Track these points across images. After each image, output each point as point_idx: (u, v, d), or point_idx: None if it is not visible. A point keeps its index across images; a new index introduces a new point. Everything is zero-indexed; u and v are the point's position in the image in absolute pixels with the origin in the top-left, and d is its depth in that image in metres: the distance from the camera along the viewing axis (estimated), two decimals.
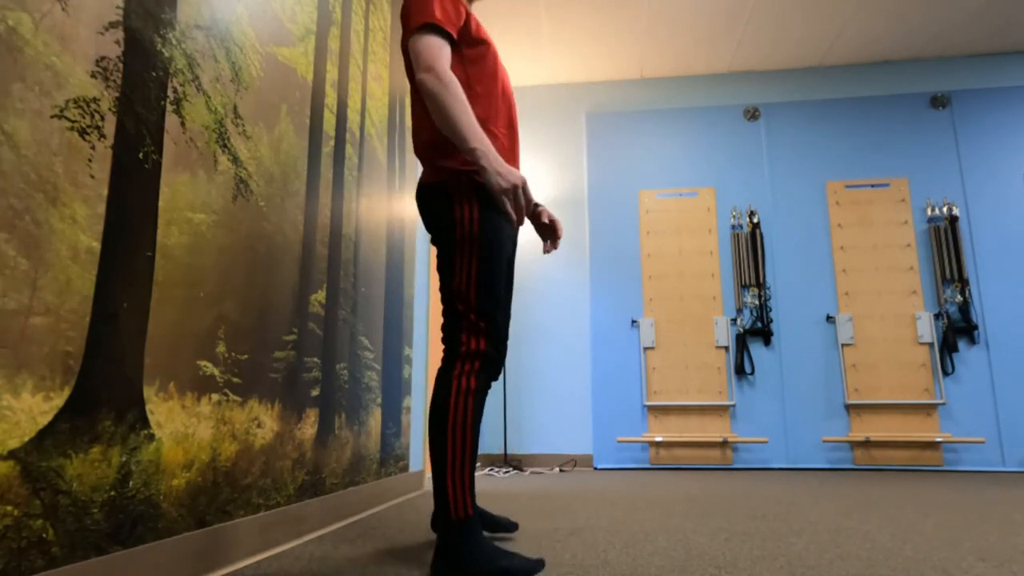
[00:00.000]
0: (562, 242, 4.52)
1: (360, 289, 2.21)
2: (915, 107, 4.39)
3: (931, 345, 4.01)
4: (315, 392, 1.82)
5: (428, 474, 3.36)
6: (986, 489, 2.80)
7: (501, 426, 4.28)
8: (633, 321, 4.30)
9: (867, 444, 3.94)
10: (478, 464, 4.14)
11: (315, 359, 1.83)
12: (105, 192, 1.04)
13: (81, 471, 0.97)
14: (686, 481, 3.22)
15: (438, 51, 1.31)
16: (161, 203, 1.18)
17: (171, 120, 1.22)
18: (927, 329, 4.01)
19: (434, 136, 1.42)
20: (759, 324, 4.17)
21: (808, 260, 4.26)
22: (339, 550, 1.54)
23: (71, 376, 0.96)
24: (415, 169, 2.98)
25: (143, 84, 1.14)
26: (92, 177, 1.01)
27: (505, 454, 4.13)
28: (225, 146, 1.40)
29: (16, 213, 0.88)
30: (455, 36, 1.37)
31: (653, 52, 4.42)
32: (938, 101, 4.37)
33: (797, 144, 4.44)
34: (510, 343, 4.41)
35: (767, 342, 4.17)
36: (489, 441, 4.31)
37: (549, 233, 1.74)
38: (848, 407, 4.02)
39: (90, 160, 1.01)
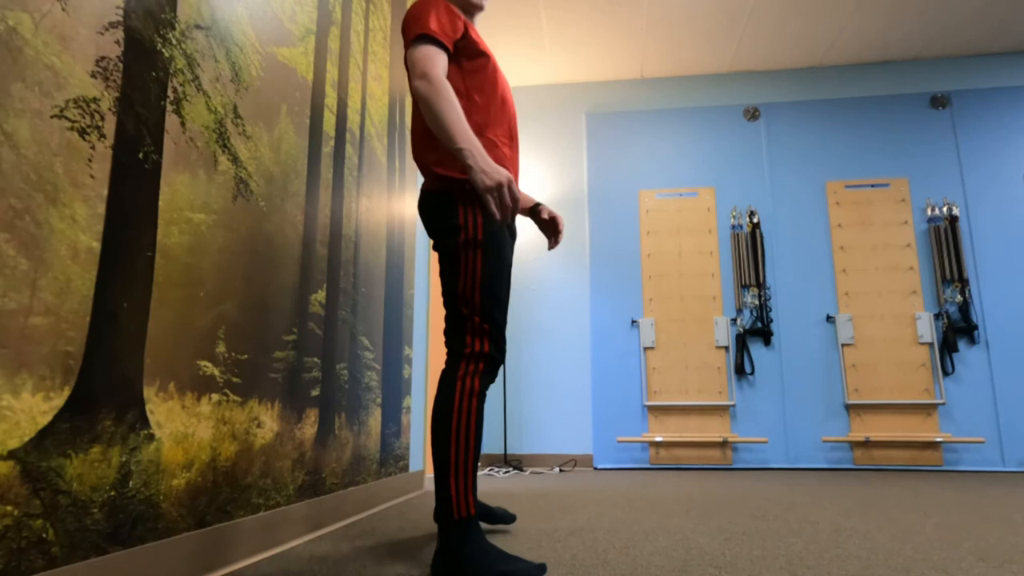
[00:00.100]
0: (562, 242, 4.52)
1: (360, 289, 2.21)
2: (915, 107, 4.39)
3: (931, 345, 4.01)
4: (315, 392, 1.82)
5: (428, 474, 3.36)
6: (986, 489, 2.80)
7: (501, 426, 4.28)
8: (633, 321, 4.30)
9: (867, 444, 3.94)
10: (478, 464, 4.13)
11: (315, 359, 1.83)
12: (105, 192, 1.04)
13: (81, 471, 0.97)
14: (686, 481, 3.22)
15: (432, 59, 1.35)
16: (161, 203, 1.18)
17: (171, 120, 1.22)
18: (927, 329, 4.01)
19: (436, 146, 1.45)
20: (759, 324, 4.17)
21: (808, 260, 4.26)
22: (339, 550, 1.54)
23: (71, 376, 0.96)
24: (415, 169, 2.98)
25: (143, 84, 1.14)
26: (92, 177, 1.01)
27: (505, 454, 4.13)
28: (225, 146, 1.40)
29: (16, 213, 0.88)
30: (450, 47, 1.42)
31: (653, 52, 4.42)
32: (938, 101, 4.37)
33: (797, 144, 4.44)
34: (510, 343, 4.41)
35: (767, 342, 4.17)
36: (489, 441, 4.31)
37: (551, 230, 1.77)
38: (848, 407, 4.02)
39: (90, 160, 1.01)
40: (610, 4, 3.90)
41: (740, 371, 4.12)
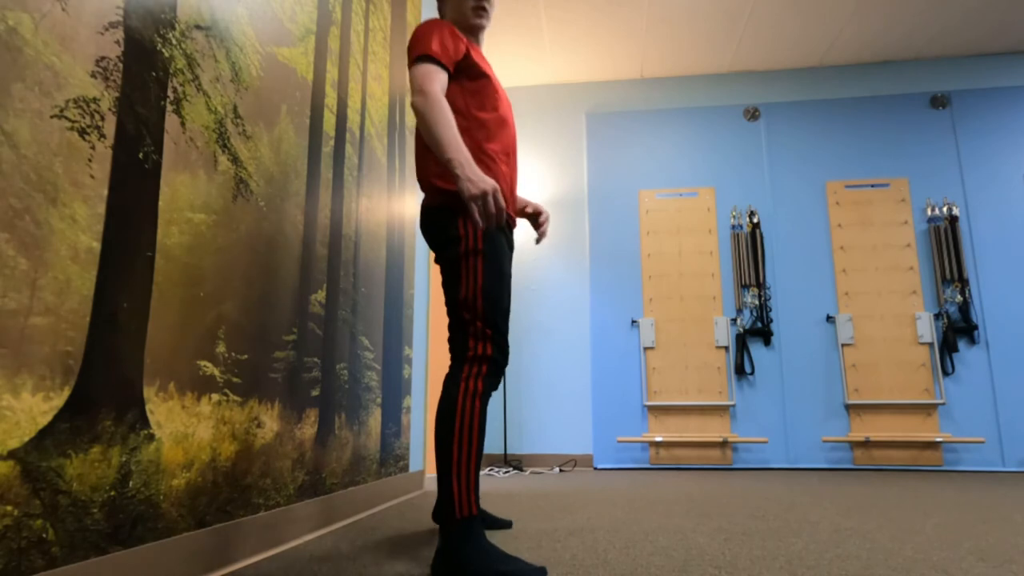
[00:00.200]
0: (562, 242, 4.52)
1: (360, 289, 2.21)
2: (915, 107, 4.39)
3: (931, 345, 4.01)
4: (315, 392, 1.82)
5: (428, 474, 3.36)
6: (986, 489, 2.80)
7: (501, 426, 4.28)
8: (633, 321, 4.30)
9: (867, 444, 3.94)
10: None
11: (315, 359, 1.83)
12: (105, 192, 1.04)
13: (81, 471, 0.97)
14: (686, 481, 3.22)
15: (430, 76, 1.43)
16: (161, 203, 1.18)
17: (171, 120, 1.22)
18: (927, 329, 4.01)
19: (437, 163, 1.52)
20: (759, 324, 4.17)
21: (808, 260, 4.26)
22: (339, 550, 1.54)
23: (71, 376, 0.96)
24: (415, 169, 2.98)
25: (143, 84, 1.14)
26: (92, 177, 1.01)
27: (505, 454, 4.13)
28: (225, 146, 1.40)
29: (16, 213, 0.88)
30: (450, 68, 1.50)
31: (653, 52, 4.42)
32: (938, 101, 4.37)
33: (797, 144, 4.44)
34: (511, 343, 4.41)
35: (767, 342, 4.17)
36: (489, 441, 4.31)
37: (534, 222, 1.85)
38: (848, 407, 4.02)
39: (90, 160, 1.01)
40: (610, 4, 3.90)
41: (740, 371, 4.12)
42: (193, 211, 1.28)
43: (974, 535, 1.68)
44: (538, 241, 1.83)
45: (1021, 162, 4.21)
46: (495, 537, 1.69)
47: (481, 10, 1.64)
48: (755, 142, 4.48)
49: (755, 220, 4.30)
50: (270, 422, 1.56)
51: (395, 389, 2.58)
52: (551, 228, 4.57)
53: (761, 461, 4.03)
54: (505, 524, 1.82)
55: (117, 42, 1.08)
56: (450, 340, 1.49)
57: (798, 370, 4.12)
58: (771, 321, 4.19)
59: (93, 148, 1.02)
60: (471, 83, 1.56)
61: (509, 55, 4.42)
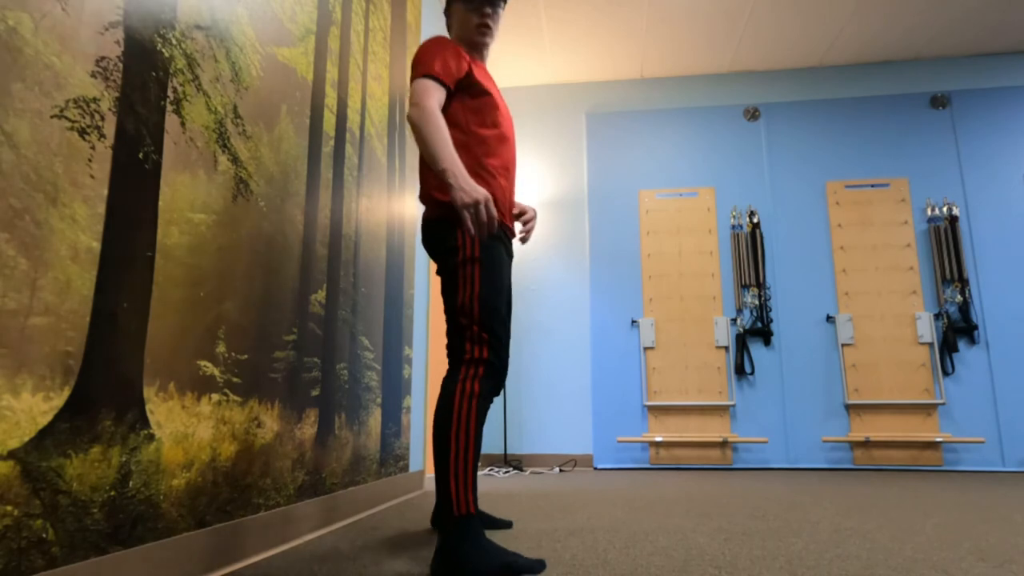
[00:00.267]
0: (562, 242, 4.53)
1: (360, 289, 2.21)
2: (915, 107, 4.39)
3: (931, 345, 4.01)
4: (315, 392, 1.82)
5: (428, 474, 3.36)
6: (986, 489, 2.80)
7: (501, 426, 4.28)
8: (633, 321, 4.30)
9: (867, 444, 3.94)
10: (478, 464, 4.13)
11: (315, 359, 1.83)
12: (105, 192, 1.04)
13: (81, 471, 0.97)
14: (686, 481, 3.22)
15: (428, 91, 1.49)
16: (161, 203, 1.18)
17: (171, 120, 1.22)
18: (927, 329, 4.01)
19: (436, 177, 1.58)
20: (759, 324, 4.17)
21: (808, 260, 4.26)
22: (339, 550, 1.54)
23: (71, 376, 0.96)
24: (415, 168, 2.98)
25: (143, 84, 1.14)
26: (92, 177, 1.01)
27: (505, 454, 4.13)
28: (225, 146, 1.40)
29: (16, 213, 0.88)
30: (450, 85, 1.55)
31: (653, 52, 4.42)
32: (938, 101, 4.37)
33: (797, 144, 4.44)
34: (511, 343, 4.41)
35: (767, 342, 4.17)
36: (489, 441, 4.31)
37: (521, 222, 1.88)
38: (848, 407, 4.02)
39: (90, 160, 1.01)
40: (610, 4, 3.90)
41: (740, 371, 4.12)
42: (193, 211, 1.28)
43: (974, 535, 1.68)
44: (524, 241, 1.85)
45: (1021, 162, 4.21)
46: (495, 537, 1.69)
47: (485, 28, 1.69)
48: (755, 142, 4.48)
49: (755, 220, 4.30)
50: (270, 422, 1.56)
51: (395, 389, 2.58)
52: (551, 228, 4.57)
53: (761, 461, 4.03)
54: (505, 524, 1.82)
55: (117, 42, 1.08)
56: (448, 346, 1.54)
57: (798, 370, 4.12)
58: (771, 321, 4.19)
59: (93, 148, 1.02)
60: (473, 100, 1.62)
61: (509, 55, 4.42)
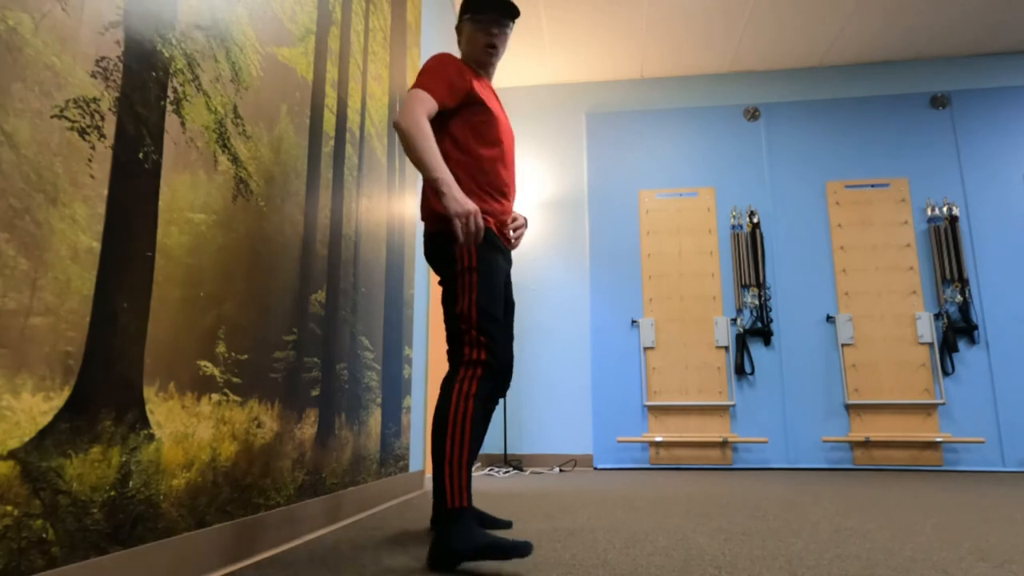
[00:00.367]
0: (562, 242, 4.53)
1: (360, 289, 2.21)
2: (915, 107, 4.39)
3: (931, 345, 4.01)
4: (315, 392, 1.82)
5: (428, 474, 3.36)
6: (986, 489, 2.80)
7: (501, 426, 4.28)
8: (633, 321, 4.30)
9: (867, 444, 3.94)
10: (479, 464, 4.14)
11: (315, 359, 1.83)
12: (105, 192, 1.04)
13: (81, 471, 0.97)
14: (686, 481, 3.22)
15: (419, 102, 1.55)
16: (161, 203, 1.18)
17: (171, 120, 1.22)
18: (927, 329, 4.02)
19: (434, 190, 1.64)
20: (759, 324, 4.18)
21: (808, 260, 4.26)
22: (339, 550, 1.54)
23: (71, 376, 0.96)
24: (415, 169, 2.99)
25: (143, 84, 1.14)
26: (92, 177, 1.01)
27: (505, 454, 4.13)
28: (225, 146, 1.40)
29: (16, 213, 0.88)
30: (448, 103, 1.62)
31: (653, 52, 4.42)
32: (938, 101, 4.37)
33: (797, 144, 4.44)
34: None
35: (767, 342, 4.17)
36: (489, 441, 4.31)
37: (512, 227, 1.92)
38: (848, 407, 4.02)
39: (90, 160, 1.01)
40: (610, 4, 3.90)
41: (740, 371, 4.12)
42: (193, 211, 1.28)
43: (974, 535, 1.68)
44: (512, 247, 1.87)
45: (1021, 162, 4.21)
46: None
47: (492, 48, 1.76)
48: (755, 142, 4.48)
49: (755, 220, 4.30)
50: (270, 422, 1.56)
51: (395, 389, 2.58)
52: (551, 228, 4.57)
53: (761, 461, 4.03)
54: (505, 524, 1.82)
55: (117, 42, 1.08)
56: (448, 352, 1.63)
57: (798, 370, 4.12)
58: (771, 321, 4.19)
59: (93, 148, 1.02)
60: (473, 116, 1.68)
61: (509, 55, 4.42)
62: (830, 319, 4.15)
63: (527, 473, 3.76)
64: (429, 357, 3.31)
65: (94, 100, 1.02)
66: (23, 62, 0.89)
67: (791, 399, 4.09)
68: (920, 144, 4.32)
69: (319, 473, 1.83)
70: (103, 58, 1.04)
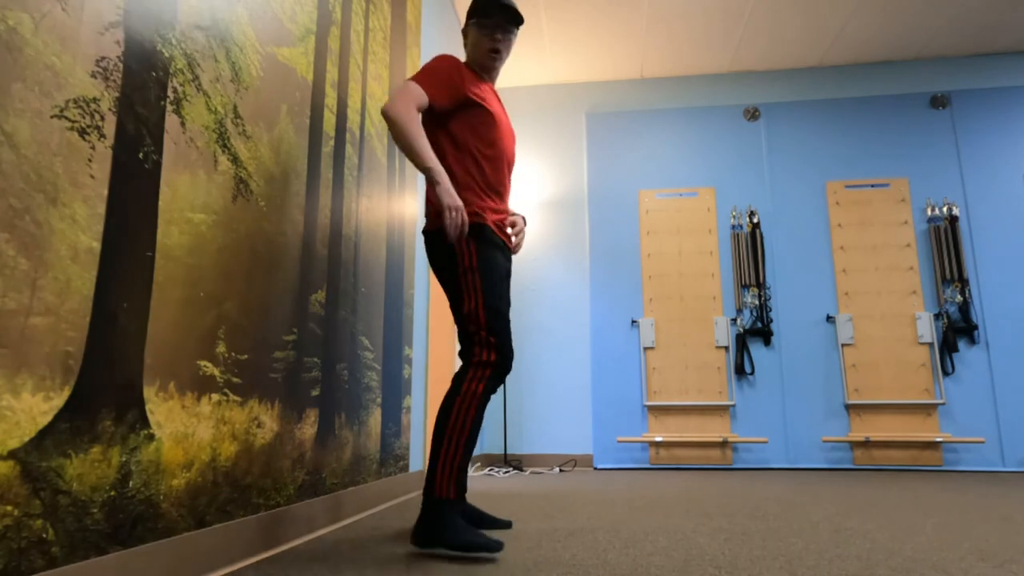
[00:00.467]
0: (562, 242, 4.53)
1: (360, 289, 2.21)
2: (915, 107, 4.39)
3: (931, 345, 4.01)
4: (315, 392, 1.82)
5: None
6: (986, 489, 2.80)
7: (501, 426, 4.28)
8: (633, 321, 4.30)
9: (867, 444, 3.94)
10: (478, 464, 4.14)
11: (315, 359, 1.83)
12: (105, 192, 1.04)
13: (81, 471, 0.97)
14: (686, 481, 3.22)
15: (409, 93, 1.59)
16: (161, 203, 1.18)
17: (171, 120, 1.22)
18: (927, 329, 4.02)
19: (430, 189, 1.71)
20: (759, 324, 4.17)
21: (808, 260, 4.26)
22: (339, 550, 1.54)
23: (71, 376, 0.96)
24: (415, 169, 2.99)
25: (143, 84, 1.14)
26: (92, 177, 1.01)
27: (505, 454, 4.13)
28: (225, 146, 1.40)
29: (16, 213, 0.88)
30: (442, 102, 1.66)
31: (653, 52, 4.42)
32: (938, 101, 4.37)
33: (797, 144, 4.44)
34: (512, 340, 4.42)
35: (767, 342, 4.17)
36: (489, 441, 4.31)
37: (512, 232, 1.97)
38: (848, 407, 4.02)
39: (90, 160, 1.01)
40: (610, 4, 3.90)
41: (740, 371, 4.12)
42: (193, 211, 1.28)
43: (974, 535, 1.68)
44: (514, 251, 1.89)
45: (1021, 162, 4.21)
46: (494, 536, 1.69)
47: (495, 53, 1.80)
48: (755, 142, 4.48)
49: (755, 220, 4.30)
50: (270, 422, 1.56)
51: (395, 389, 2.58)
52: (551, 228, 4.57)
53: (761, 461, 4.03)
54: (505, 524, 1.82)
55: (117, 42, 1.08)
56: (460, 352, 1.67)
57: (798, 370, 4.12)
58: (771, 321, 4.19)
59: (93, 148, 1.02)
60: (472, 116, 1.72)
61: (510, 55, 4.42)
62: (830, 319, 4.15)
63: (527, 473, 3.76)
64: (429, 357, 3.31)
65: (94, 100, 1.02)
66: (23, 62, 0.89)
67: (791, 399, 4.09)
68: (920, 144, 4.33)
69: (319, 473, 1.83)
70: (103, 58, 1.04)
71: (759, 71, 4.64)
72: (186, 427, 1.24)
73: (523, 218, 1.92)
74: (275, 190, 1.63)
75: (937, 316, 4.05)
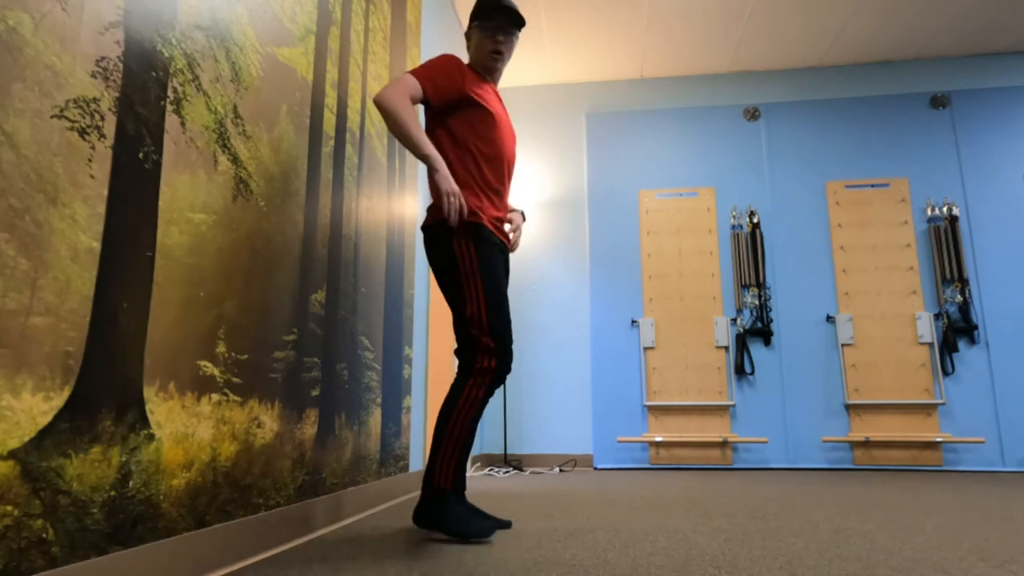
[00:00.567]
0: (562, 242, 4.53)
1: (360, 289, 2.21)
2: (915, 107, 4.39)
3: (931, 345, 4.01)
4: (315, 392, 1.82)
5: None
6: (986, 489, 2.80)
7: (501, 426, 4.28)
8: (633, 321, 4.30)
9: (867, 444, 3.94)
10: (478, 464, 4.14)
11: (315, 359, 1.83)
12: (105, 192, 1.04)
13: (81, 471, 0.97)
14: (686, 481, 3.22)
15: (403, 83, 1.61)
16: (161, 203, 1.18)
17: (171, 120, 1.22)
18: (927, 329, 4.02)
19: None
20: (759, 324, 4.18)
21: (808, 260, 4.26)
22: (339, 550, 1.54)
23: (71, 376, 0.96)
24: (415, 169, 2.99)
25: (143, 84, 1.14)
26: (92, 177, 1.01)
27: (505, 454, 4.13)
28: (225, 146, 1.40)
29: (16, 213, 0.88)
30: (431, 97, 1.68)
31: (653, 52, 4.42)
32: (938, 101, 4.37)
33: (797, 144, 4.44)
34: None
35: (767, 342, 4.17)
36: (489, 441, 4.31)
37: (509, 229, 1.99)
38: (848, 407, 4.02)
39: (90, 160, 1.01)
40: (610, 4, 3.90)
41: (740, 371, 4.12)
42: (193, 211, 1.28)
43: (974, 535, 1.68)
44: (511, 250, 1.90)
45: (1021, 162, 4.21)
46: (495, 535, 1.69)
47: (497, 54, 1.82)
48: (755, 142, 4.48)
49: (755, 220, 4.30)
50: (270, 422, 1.56)
51: (395, 389, 2.58)
52: (551, 228, 4.57)
53: (761, 461, 4.03)
54: (505, 524, 1.82)
55: (117, 42, 1.08)
56: (460, 352, 1.69)
57: (798, 370, 4.12)
58: (771, 321, 4.19)
59: (93, 148, 1.02)
60: (472, 116, 1.74)
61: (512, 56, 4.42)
62: (830, 319, 4.15)
63: (527, 473, 3.76)
64: (429, 357, 3.31)
65: (94, 100, 1.02)
66: (23, 62, 0.89)
67: (791, 399, 4.09)
68: (920, 144, 4.33)
69: (319, 473, 1.84)
70: (103, 58, 1.04)
71: (759, 71, 4.64)
72: (186, 427, 1.24)
73: (522, 213, 1.93)
74: (275, 190, 1.63)
75: (937, 316, 4.05)
